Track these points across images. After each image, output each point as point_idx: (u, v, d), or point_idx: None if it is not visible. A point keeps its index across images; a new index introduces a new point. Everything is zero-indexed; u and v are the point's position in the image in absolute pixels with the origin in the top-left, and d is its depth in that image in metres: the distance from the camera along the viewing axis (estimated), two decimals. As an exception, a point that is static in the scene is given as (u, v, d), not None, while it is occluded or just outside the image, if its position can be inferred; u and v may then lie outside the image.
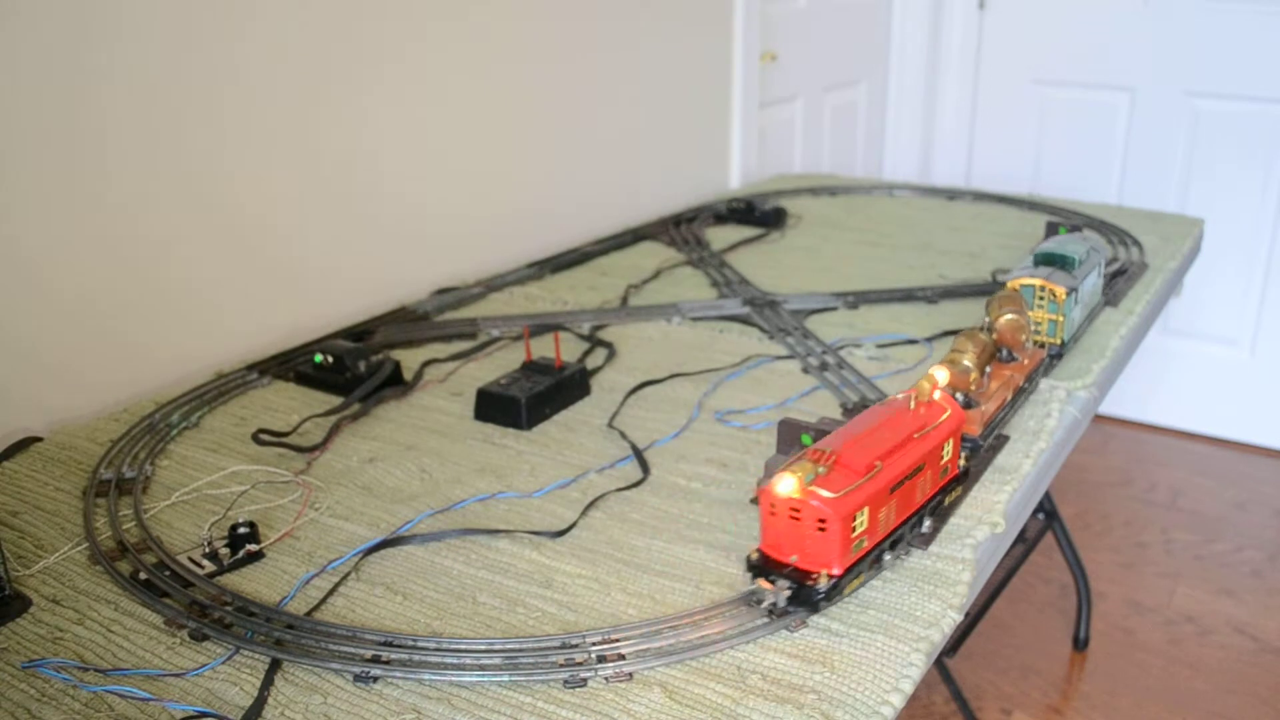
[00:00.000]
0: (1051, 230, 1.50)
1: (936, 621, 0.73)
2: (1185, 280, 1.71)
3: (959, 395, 0.93)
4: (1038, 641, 1.94)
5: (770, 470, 0.89)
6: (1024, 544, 1.88)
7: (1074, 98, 2.65)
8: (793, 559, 0.73)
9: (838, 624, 0.73)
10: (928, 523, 0.84)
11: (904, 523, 0.79)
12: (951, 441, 0.83)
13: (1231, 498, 2.41)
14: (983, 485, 0.91)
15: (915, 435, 0.79)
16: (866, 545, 0.74)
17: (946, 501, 0.85)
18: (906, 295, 1.41)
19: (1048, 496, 1.88)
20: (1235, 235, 2.51)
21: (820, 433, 0.89)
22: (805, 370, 1.17)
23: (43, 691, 0.68)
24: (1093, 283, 1.25)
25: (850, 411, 1.06)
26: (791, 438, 0.91)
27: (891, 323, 1.31)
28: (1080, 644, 1.92)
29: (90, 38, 1.04)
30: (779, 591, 0.73)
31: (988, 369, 0.98)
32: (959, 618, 0.75)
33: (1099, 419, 2.79)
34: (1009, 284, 1.14)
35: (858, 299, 1.39)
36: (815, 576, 0.72)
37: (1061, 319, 1.15)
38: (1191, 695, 1.80)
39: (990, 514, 0.86)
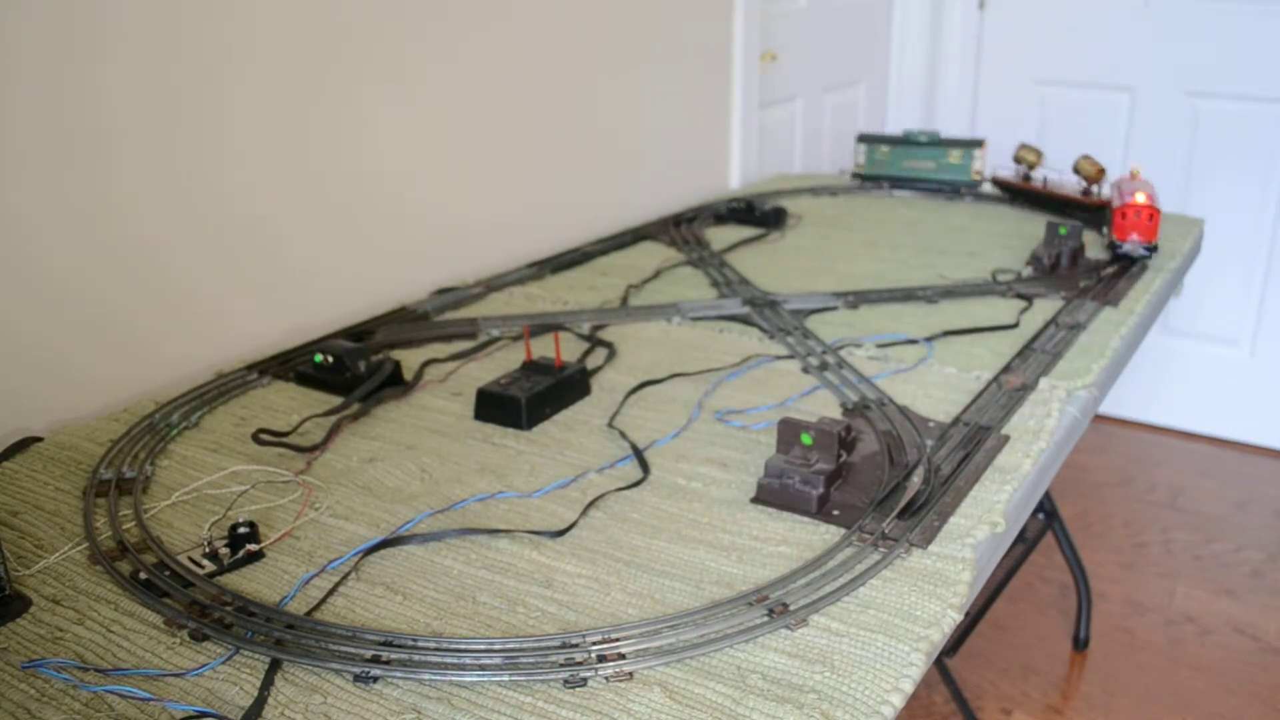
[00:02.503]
0: (1052, 230, 1.50)
1: (936, 621, 0.73)
2: (1185, 280, 1.71)
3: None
4: (1038, 641, 1.94)
5: (770, 470, 0.90)
6: (1024, 544, 1.88)
7: (1074, 98, 2.65)
8: (1132, 236, 1.49)
9: (838, 624, 0.73)
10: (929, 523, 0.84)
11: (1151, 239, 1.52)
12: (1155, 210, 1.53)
13: (1231, 498, 2.41)
14: (983, 485, 0.91)
15: (1151, 194, 1.52)
16: (1155, 234, 1.50)
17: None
18: (906, 295, 1.41)
19: (1048, 496, 1.88)
20: (1235, 235, 2.51)
21: (821, 432, 0.89)
22: (805, 370, 1.17)
23: (43, 691, 0.68)
24: None
25: (850, 412, 1.06)
26: (791, 437, 0.91)
27: (891, 323, 1.31)
28: (1080, 644, 1.92)
29: (89, 40, 1.04)
30: (1135, 246, 1.49)
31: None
32: (959, 617, 0.75)
33: (1099, 419, 2.79)
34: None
35: (858, 299, 1.39)
36: (1145, 241, 1.50)
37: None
38: (1191, 695, 1.80)
39: (990, 514, 0.86)
